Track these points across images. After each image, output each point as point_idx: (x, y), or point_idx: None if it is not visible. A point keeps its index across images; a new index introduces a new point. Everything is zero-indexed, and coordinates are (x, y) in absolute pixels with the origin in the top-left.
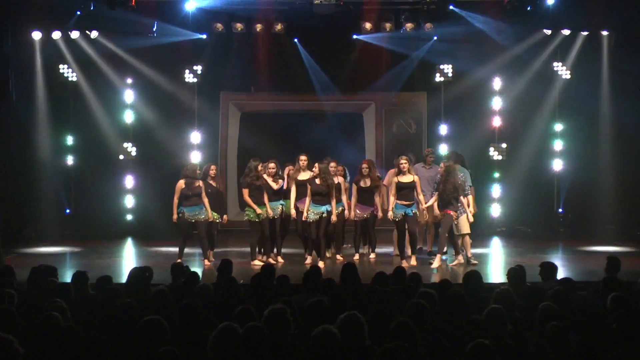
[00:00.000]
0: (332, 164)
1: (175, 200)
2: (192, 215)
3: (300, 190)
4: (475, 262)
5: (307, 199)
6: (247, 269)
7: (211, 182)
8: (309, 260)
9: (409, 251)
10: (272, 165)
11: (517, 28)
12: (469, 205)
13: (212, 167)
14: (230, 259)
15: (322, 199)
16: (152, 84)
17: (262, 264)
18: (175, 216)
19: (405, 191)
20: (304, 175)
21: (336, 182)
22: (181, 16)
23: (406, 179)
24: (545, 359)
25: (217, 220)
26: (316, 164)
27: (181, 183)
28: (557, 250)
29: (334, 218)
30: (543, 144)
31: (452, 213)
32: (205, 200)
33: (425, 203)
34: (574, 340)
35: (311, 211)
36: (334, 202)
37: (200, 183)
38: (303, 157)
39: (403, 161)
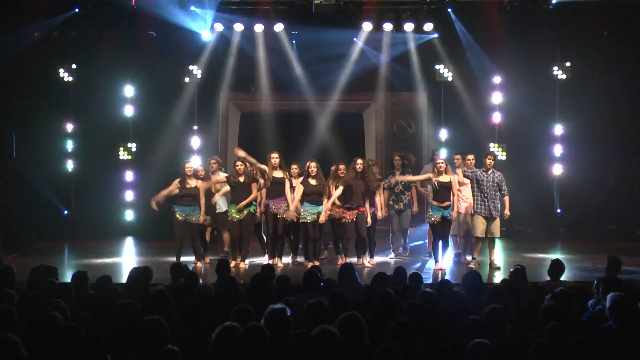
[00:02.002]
0: (313, 164)
1: (163, 192)
2: (184, 216)
3: (274, 188)
4: (475, 265)
5: (296, 200)
6: (247, 269)
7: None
8: (279, 263)
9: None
10: (274, 155)
11: (516, 29)
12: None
13: (199, 168)
14: (227, 259)
15: (319, 199)
16: (152, 83)
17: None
18: (153, 204)
19: (442, 192)
20: (277, 174)
21: (315, 183)
22: (181, 16)
23: (443, 178)
24: (545, 359)
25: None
26: (312, 164)
27: (175, 182)
28: (557, 250)
29: (322, 219)
30: (543, 144)
31: (364, 210)
32: (202, 201)
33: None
34: (574, 340)
35: (307, 211)
36: (325, 203)
37: (198, 184)
38: (275, 155)
39: (440, 161)
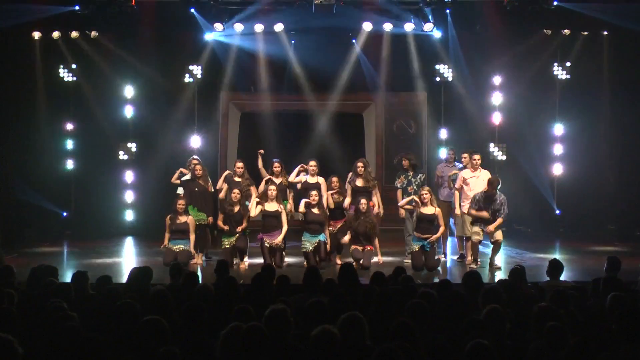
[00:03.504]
0: (312, 163)
1: (167, 235)
2: (176, 245)
3: (268, 222)
4: (475, 265)
5: (284, 229)
6: (246, 269)
7: (199, 181)
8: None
9: None
10: (277, 164)
11: (517, 28)
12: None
13: (197, 167)
14: (226, 259)
15: (319, 229)
16: (152, 83)
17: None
18: (166, 243)
19: (424, 224)
20: (271, 206)
21: (315, 181)
22: (181, 16)
23: (427, 210)
24: (544, 359)
25: (204, 222)
26: (313, 192)
27: (167, 219)
28: (557, 250)
29: (329, 248)
30: (543, 144)
31: (372, 248)
32: (192, 237)
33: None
34: (573, 341)
35: (307, 241)
36: (327, 231)
37: (188, 219)
38: (272, 187)
39: (424, 192)
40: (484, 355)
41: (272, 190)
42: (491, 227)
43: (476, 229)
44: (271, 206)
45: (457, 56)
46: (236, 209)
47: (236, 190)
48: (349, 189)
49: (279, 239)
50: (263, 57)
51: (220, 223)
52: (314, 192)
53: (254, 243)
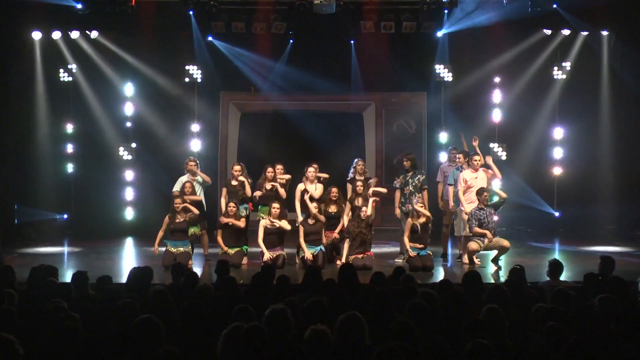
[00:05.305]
0: (311, 170)
1: (160, 233)
2: (175, 248)
3: (270, 238)
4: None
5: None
6: (247, 269)
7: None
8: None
9: None
10: (270, 169)
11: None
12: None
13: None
14: (226, 259)
15: (317, 240)
16: (152, 84)
17: None
18: (155, 248)
19: (419, 234)
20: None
21: (313, 188)
22: (181, 17)
23: (420, 220)
24: (544, 359)
25: (198, 234)
26: (312, 204)
27: (166, 218)
28: (557, 250)
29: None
30: (543, 144)
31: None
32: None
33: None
34: (573, 340)
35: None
36: (324, 239)
37: (187, 217)
38: (276, 205)
39: (419, 206)
40: (484, 355)
41: (276, 209)
42: (490, 237)
43: (475, 245)
44: (274, 222)
45: (457, 56)
46: (230, 220)
47: (232, 204)
48: (349, 189)
49: (282, 257)
50: (263, 57)
51: (219, 239)
52: (313, 204)
53: (254, 245)
